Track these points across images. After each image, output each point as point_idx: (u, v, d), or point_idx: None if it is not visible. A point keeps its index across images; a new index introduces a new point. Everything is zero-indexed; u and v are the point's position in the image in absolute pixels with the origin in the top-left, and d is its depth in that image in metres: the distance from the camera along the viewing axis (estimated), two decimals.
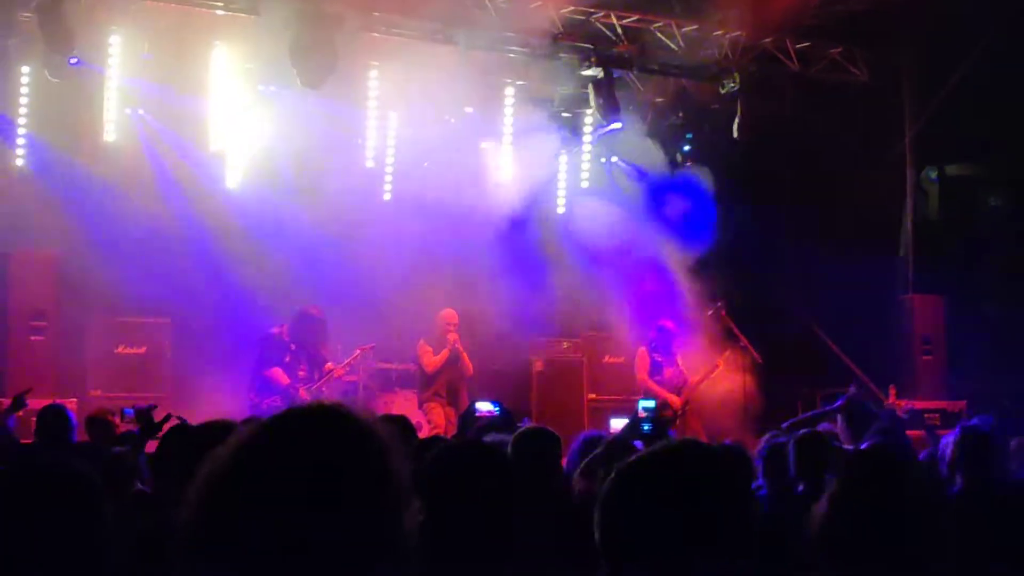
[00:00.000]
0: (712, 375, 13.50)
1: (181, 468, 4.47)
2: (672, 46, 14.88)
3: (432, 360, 12.94)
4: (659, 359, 13.65)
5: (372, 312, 13.69)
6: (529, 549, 3.40)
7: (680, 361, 13.82)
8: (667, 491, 2.38)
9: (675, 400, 13.31)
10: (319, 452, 1.75)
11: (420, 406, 13.03)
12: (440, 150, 15.54)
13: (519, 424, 7.30)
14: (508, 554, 3.21)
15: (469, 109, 15.03)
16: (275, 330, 12.57)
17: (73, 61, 12.68)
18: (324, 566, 1.70)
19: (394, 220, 15.61)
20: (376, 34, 14.01)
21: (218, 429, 4.61)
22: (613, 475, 2.43)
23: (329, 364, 12.67)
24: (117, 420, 8.67)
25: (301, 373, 12.41)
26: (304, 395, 12.20)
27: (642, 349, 13.79)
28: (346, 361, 12.79)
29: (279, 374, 12.31)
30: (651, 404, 7.23)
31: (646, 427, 6.98)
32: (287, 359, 12.40)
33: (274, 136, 14.64)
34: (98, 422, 8.65)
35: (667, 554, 2.33)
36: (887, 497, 2.96)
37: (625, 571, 2.34)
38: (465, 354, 13.09)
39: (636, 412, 7.01)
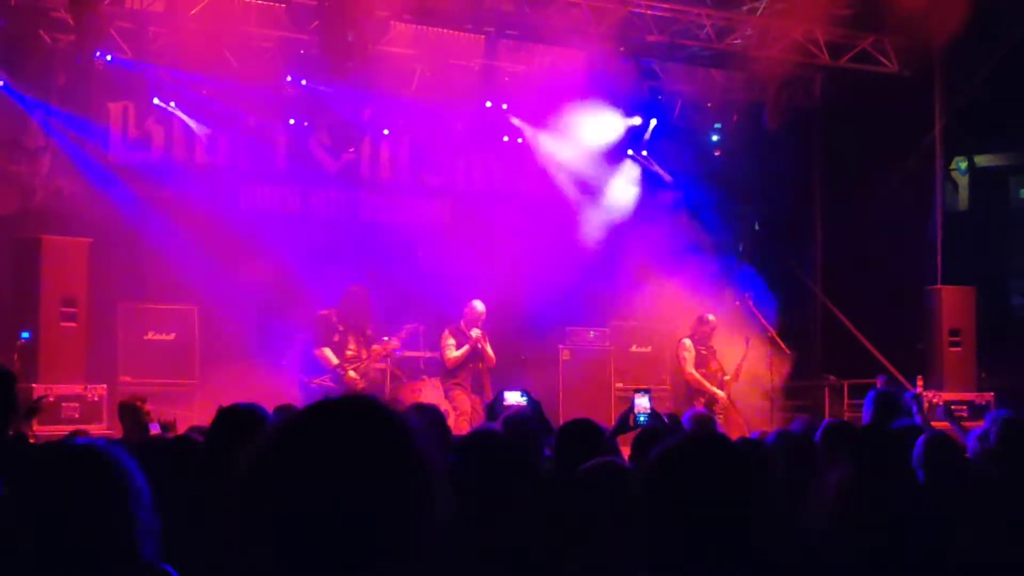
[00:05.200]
0: (745, 362, 13.23)
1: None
2: (701, 36, 14.86)
3: (452, 355, 12.95)
4: (703, 352, 13.33)
5: (399, 300, 13.73)
6: (569, 539, 3.43)
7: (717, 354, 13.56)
8: (694, 485, 2.41)
9: (722, 396, 13.12)
10: (349, 441, 1.79)
11: (445, 394, 13.06)
12: (468, 139, 15.63)
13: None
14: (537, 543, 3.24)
15: (490, 103, 15.09)
16: (324, 311, 12.68)
17: (99, 54, 12.86)
18: (352, 547, 1.74)
19: (420, 207, 15.69)
20: (403, 23, 14.07)
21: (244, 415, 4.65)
22: (644, 469, 2.46)
23: (377, 346, 12.68)
24: (148, 407, 8.74)
25: (349, 353, 12.50)
26: (352, 375, 12.32)
27: (686, 341, 13.28)
28: (395, 337, 12.78)
29: (327, 354, 12.42)
30: (646, 400, 7.29)
31: (642, 418, 7.04)
32: (335, 338, 12.50)
33: (302, 122, 14.76)
34: (128, 408, 8.71)
35: (696, 547, 2.36)
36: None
37: (659, 563, 2.37)
38: (488, 348, 13.06)
39: (631, 406, 7.09)
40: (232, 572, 1.81)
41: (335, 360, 12.40)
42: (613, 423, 10.51)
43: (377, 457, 1.79)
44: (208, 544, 3.54)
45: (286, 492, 1.75)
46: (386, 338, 12.71)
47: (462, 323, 13.10)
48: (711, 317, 13.37)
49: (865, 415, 7.92)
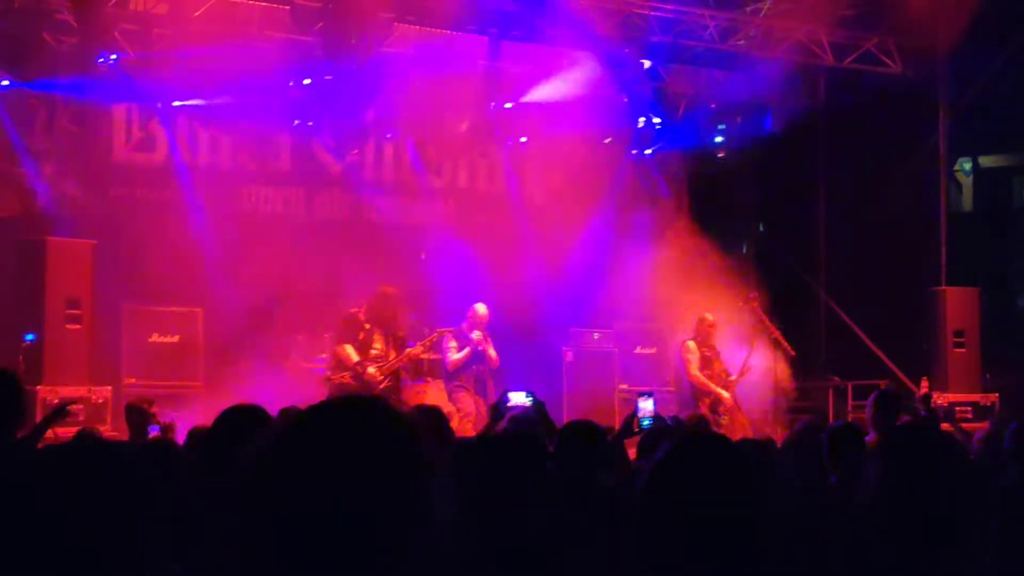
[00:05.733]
0: (749, 362, 13.20)
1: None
2: (705, 37, 14.85)
3: (454, 358, 12.93)
4: (707, 353, 13.29)
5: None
6: (570, 540, 3.42)
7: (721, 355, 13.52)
8: (698, 486, 2.41)
9: (727, 397, 13.09)
10: (350, 441, 1.79)
11: (449, 396, 13.06)
12: (472, 140, 15.64)
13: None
14: (540, 544, 3.23)
15: (493, 104, 15.10)
16: (353, 309, 12.69)
17: (103, 56, 12.91)
18: (352, 548, 1.74)
19: (424, 209, 15.70)
20: (407, 24, 14.08)
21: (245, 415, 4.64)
22: (649, 469, 2.46)
23: (413, 349, 12.69)
24: (155, 410, 8.74)
25: (373, 352, 12.49)
26: (371, 371, 12.29)
27: (689, 342, 13.23)
28: (424, 341, 12.79)
29: (348, 351, 12.40)
30: (649, 403, 7.28)
31: (646, 422, 7.06)
32: (360, 336, 12.48)
33: (306, 123, 14.80)
34: (135, 410, 8.72)
35: (695, 547, 2.36)
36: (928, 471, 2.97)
37: (659, 563, 2.37)
38: (491, 349, 13.02)
39: (635, 409, 7.10)
40: (233, 573, 1.81)
41: (355, 357, 12.39)
42: (617, 425, 10.48)
43: (378, 457, 1.78)
44: (209, 545, 3.54)
45: (286, 492, 1.75)
46: (413, 349, 12.69)
47: (464, 325, 13.09)
48: (709, 316, 13.34)
49: (868, 415, 7.93)
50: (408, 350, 12.60)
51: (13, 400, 5.38)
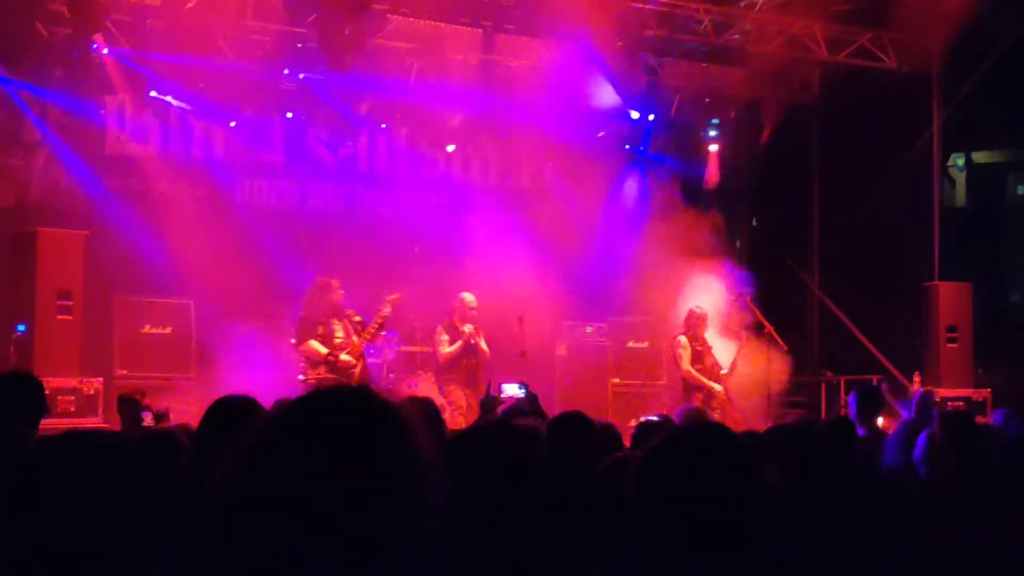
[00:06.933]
0: (739, 356, 13.20)
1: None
2: (700, 31, 14.85)
3: (445, 352, 12.87)
4: (699, 347, 13.27)
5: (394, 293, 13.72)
6: (561, 533, 3.40)
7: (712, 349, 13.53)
8: (687, 476, 2.40)
9: (719, 391, 13.09)
10: (339, 428, 1.77)
11: (440, 389, 13.03)
12: (466, 133, 15.62)
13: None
14: (535, 536, 3.22)
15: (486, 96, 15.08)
16: (303, 312, 12.64)
17: (96, 47, 12.89)
18: (342, 538, 1.73)
19: (418, 201, 15.67)
20: (401, 17, 14.05)
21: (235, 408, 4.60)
22: (639, 460, 2.44)
23: (371, 326, 12.62)
24: (148, 401, 8.72)
25: (337, 340, 12.44)
26: (344, 358, 12.23)
27: (681, 338, 13.26)
28: (377, 317, 12.69)
29: (315, 346, 12.35)
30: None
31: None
32: (320, 331, 12.43)
33: (300, 116, 14.77)
34: (128, 401, 8.70)
35: (686, 538, 2.35)
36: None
37: (648, 555, 2.35)
38: (482, 342, 12.98)
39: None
40: (225, 566, 1.79)
41: (324, 350, 12.34)
42: (609, 418, 10.43)
43: (368, 449, 1.77)
44: (199, 539, 3.52)
45: (274, 487, 1.73)
46: (375, 322, 12.64)
47: (455, 318, 13.02)
48: (698, 309, 13.35)
49: (851, 413, 7.97)
50: (367, 329, 12.54)
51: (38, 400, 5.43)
